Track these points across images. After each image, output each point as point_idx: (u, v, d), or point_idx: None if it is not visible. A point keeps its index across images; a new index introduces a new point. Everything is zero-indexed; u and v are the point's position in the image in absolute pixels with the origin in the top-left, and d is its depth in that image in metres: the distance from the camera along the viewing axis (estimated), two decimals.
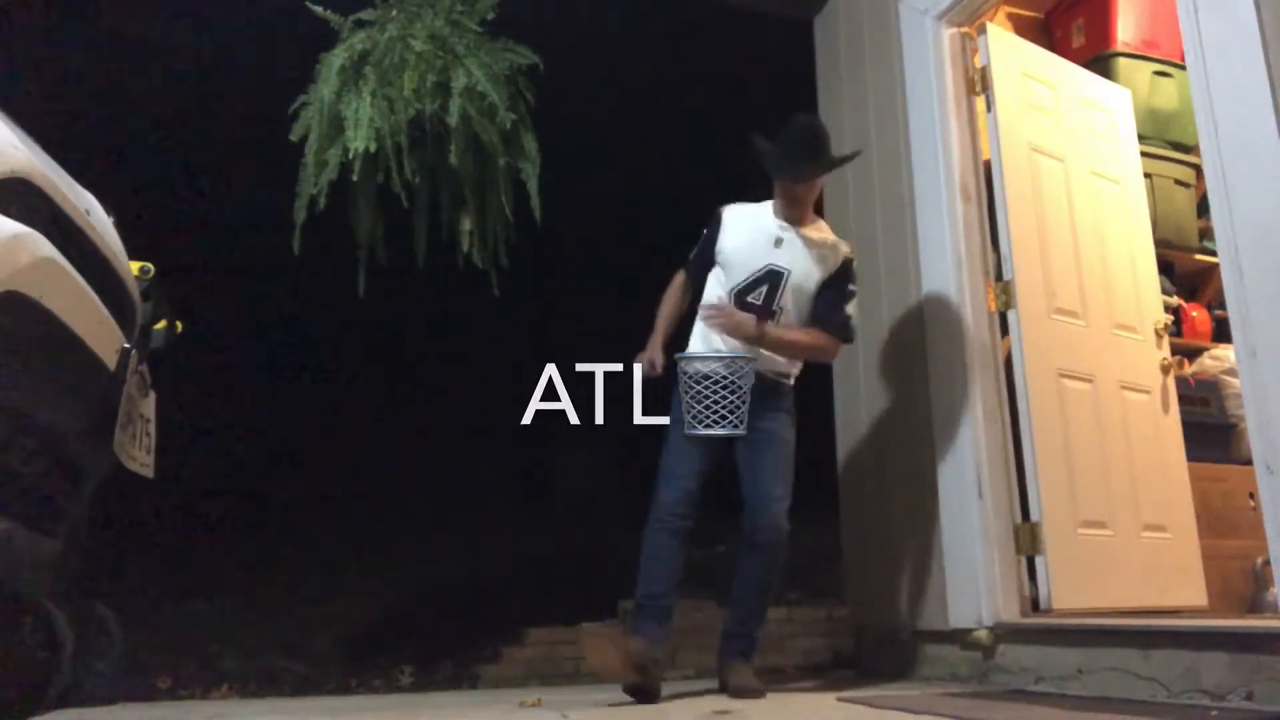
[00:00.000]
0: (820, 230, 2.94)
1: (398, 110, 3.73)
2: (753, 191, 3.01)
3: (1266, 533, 2.07)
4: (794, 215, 2.88)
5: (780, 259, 2.83)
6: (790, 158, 2.80)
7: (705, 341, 2.87)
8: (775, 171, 2.85)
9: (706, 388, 2.74)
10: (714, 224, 2.98)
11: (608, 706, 2.52)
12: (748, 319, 2.77)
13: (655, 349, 2.92)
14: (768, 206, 2.95)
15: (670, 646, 3.52)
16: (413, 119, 3.78)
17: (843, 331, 2.86)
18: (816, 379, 3.92)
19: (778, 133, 2.83)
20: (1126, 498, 3.11)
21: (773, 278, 2.83)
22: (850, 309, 2.86)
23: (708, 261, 2.97)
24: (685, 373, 2.81)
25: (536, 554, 5.64)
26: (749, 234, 2.90)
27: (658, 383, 2.92)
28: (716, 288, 2.91)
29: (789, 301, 2.83)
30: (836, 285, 2.86)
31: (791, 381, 2.91)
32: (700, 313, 2.89)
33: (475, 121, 3.81)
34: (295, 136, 3.85)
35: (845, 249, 2.91)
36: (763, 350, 2.80)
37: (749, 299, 2.83)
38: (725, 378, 2.74)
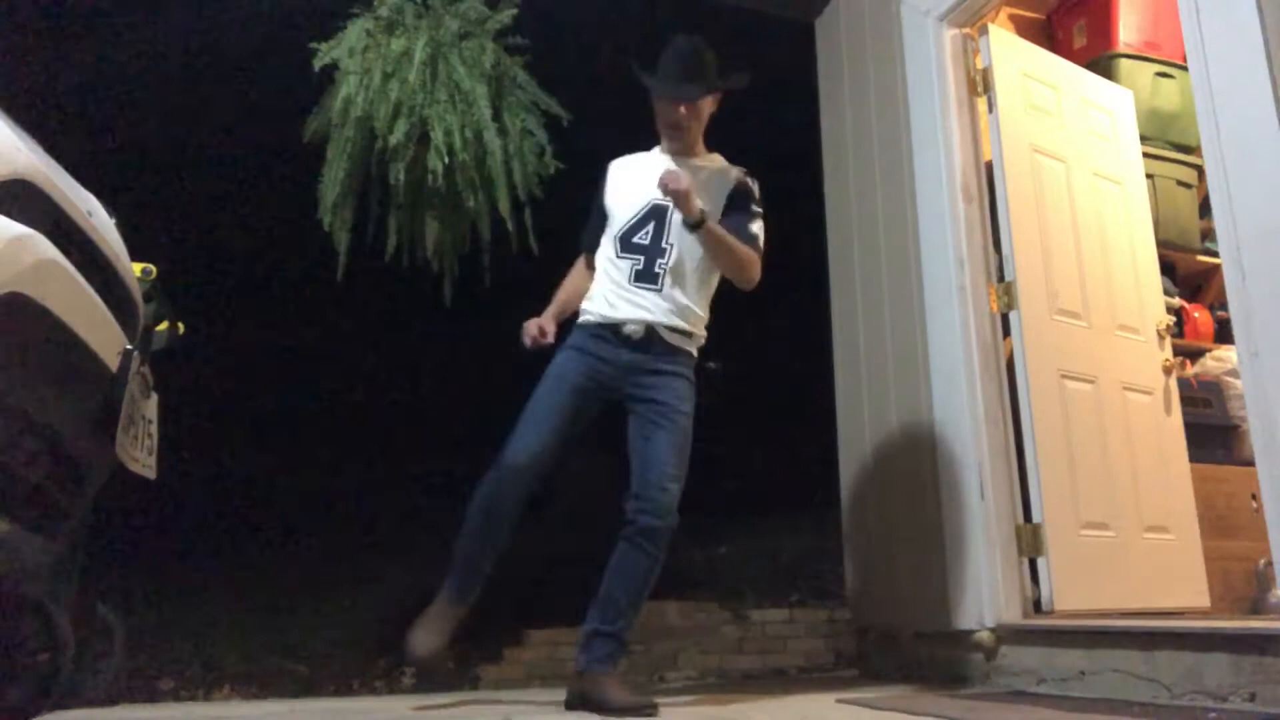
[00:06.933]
0: (711, 160, 2.73)
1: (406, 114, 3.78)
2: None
3: (1269, 533, 2.07)
4: (678, 146, 2.68)
5: (663, 194, 2.54)
6: (668, 79, 2.61)
7: (608, 308, 2.59)
8: (655, 95, 2.64)
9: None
10: (600, 182, 2.78)
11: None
12: (688, 180, 2.49)
13: (546, 318, 2.70)
14: (655, 150, 2.76)
15: (671, 649, 3.49)
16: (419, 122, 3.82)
17: (754, 244, 2.62)
18: (817, 379, 3.93)
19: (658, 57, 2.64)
20: (1128, 499, 3.11)
21: (657, 214, 2.60)
22: (755, 228, 2.64)
23: (602, 222, 2.73)
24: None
25: (538, 555, 5.63)
26: (633, 177, 2.70)
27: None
28: (605, 243, 2.69)
29: (676, 238, 2.58)
30: (736, 205, 2.64)
31: (694, 350, 2.64)
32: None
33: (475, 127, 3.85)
34: (310, 137, 3.89)
35: (736, 172, 2.69)
36: (665, 304, 2.55)
37: (635, 239, 2.61)
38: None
